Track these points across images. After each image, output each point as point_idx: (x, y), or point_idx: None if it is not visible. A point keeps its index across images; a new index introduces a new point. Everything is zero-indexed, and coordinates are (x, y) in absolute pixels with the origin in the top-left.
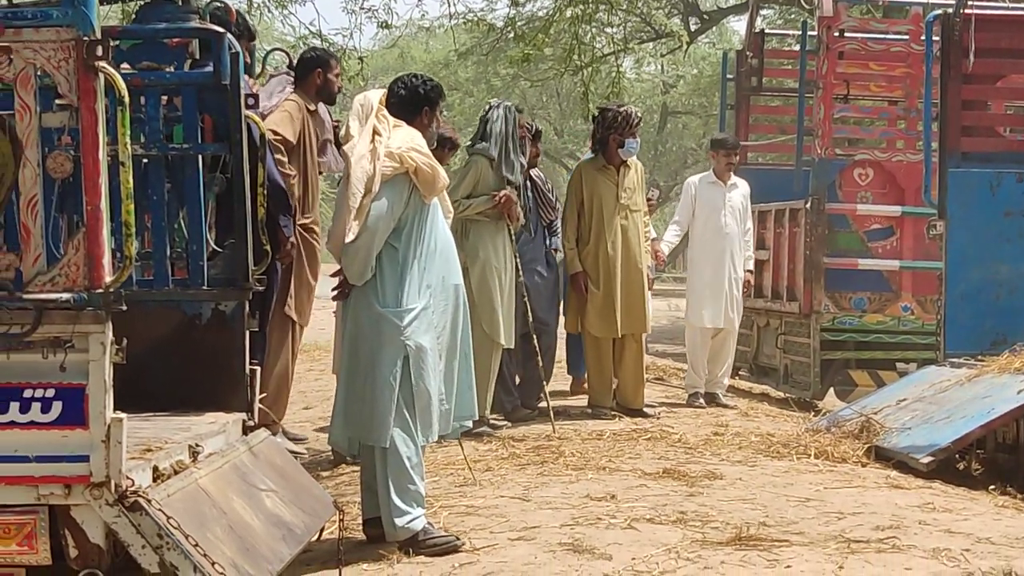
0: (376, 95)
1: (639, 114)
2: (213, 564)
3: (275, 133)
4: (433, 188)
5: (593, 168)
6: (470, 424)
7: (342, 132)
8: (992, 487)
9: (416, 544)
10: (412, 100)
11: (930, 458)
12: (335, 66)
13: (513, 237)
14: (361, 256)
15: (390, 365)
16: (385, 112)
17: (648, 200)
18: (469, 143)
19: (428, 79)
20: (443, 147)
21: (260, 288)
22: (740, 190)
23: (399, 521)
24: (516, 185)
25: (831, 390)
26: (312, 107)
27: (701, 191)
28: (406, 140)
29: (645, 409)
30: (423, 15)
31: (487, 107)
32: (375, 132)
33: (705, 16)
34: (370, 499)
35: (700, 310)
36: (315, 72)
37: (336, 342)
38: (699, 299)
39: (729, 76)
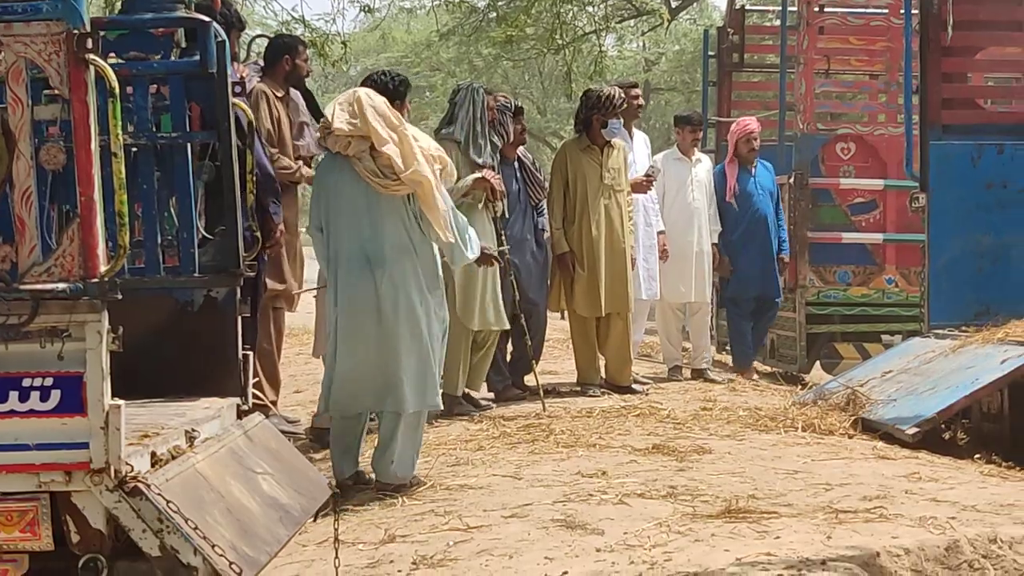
0: (367, 93)
1: (622, 95)
2: (213, 546)
3: None
4: (451, 181)
5: (577, 148)
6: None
7: (340, 123)
8: (977, 456)
9: (407, 487)
10: (383, 96)
11: (916, 429)
12: (303, 51)
13: (495, 218)
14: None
15: (438, 338)
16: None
17: (648, 176)
18: (437, 127)
19: (395, 75)
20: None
21: (251, 274)
22: (704, 165)
23: (408, 472)
24: (489, 166)
25: (817, 363)
26: (280, 93)
27: (667, 167)
28: (427, 139)
29: (634, 386)
30: None
31: (454, 90)
32: (414, 137)
33: None
34: (349, 461)
35: (669, 284)
36: (283, 58)
37: (318, 326)
38: (667, 273)
39: (711, 53)
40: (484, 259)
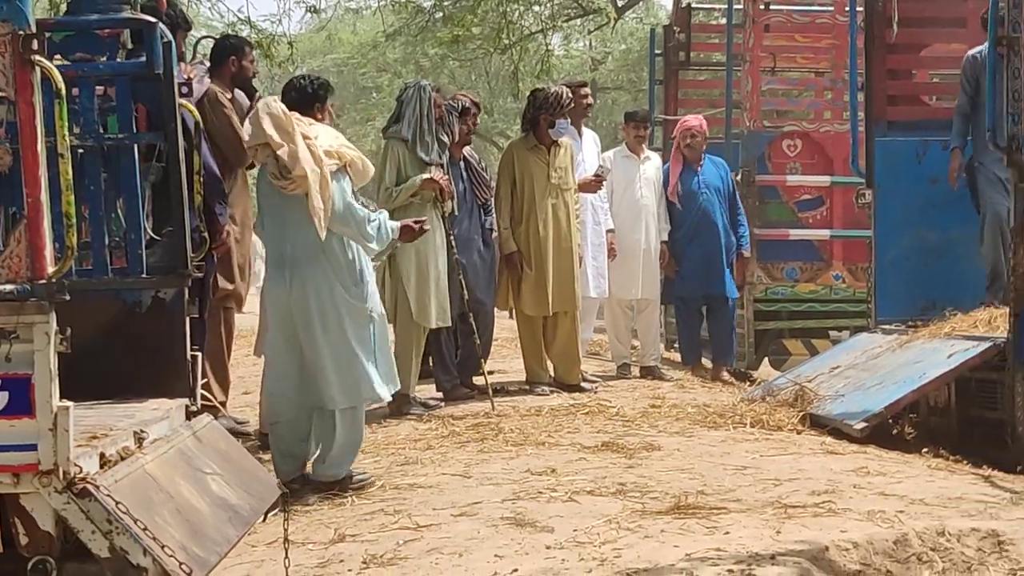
0: (278, 102)
1: (570, 94)
2: (163, 547)
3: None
4: (364, 177)
5: (524, 148)
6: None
7: (248, 135)
8: (925, 450)
9: (345, 483)
10: (303, 100)
11: (864, 424)
12: (249, 53)
13: (444, 217)
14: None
15: (364, 333)
16: (296, 115)
17: (598, 176)
18: (384, 126)
19: (315, 79)
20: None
21: (199, 275)
22: (653, 163)
23: (339, 470)
24: (437, 164)
25: (766, 360)
26: (229, 94)
27: (616, 165)
28: (333, 137)
29: (583, 384)
30: None
31: (402, 88)
32: (304, 136)
33: None
34: (291, 464)
35: (617, 282)
36: (229, 59)
37: (260, 325)
38: (616, 271)
39: (657, 51)
40: (406, 234)
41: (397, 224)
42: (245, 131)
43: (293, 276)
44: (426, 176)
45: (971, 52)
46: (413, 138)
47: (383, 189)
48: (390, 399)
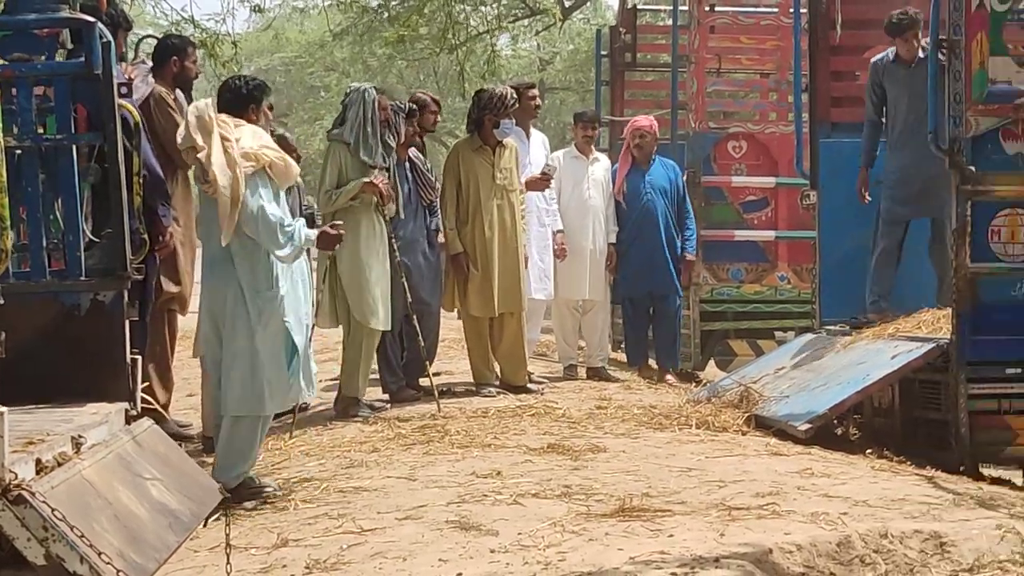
0: (207, 104)
1: (514, 95)
2: (100, 554)
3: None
4: (287, 178)
5: (469, 148)
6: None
7: (180, 140)
8: (869, 451)
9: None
10: (237, 100)
11: (808, 425)
12: (192, 53)
13: (385, 220)
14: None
15: (273, 340)
16: (223, 117)
17: (544, 174)
18: (329, 128)
19: (251, 79)
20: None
21: (139, 277)
22: (602, 164)
23: (226, 476)
24: (382, 168)
25: (711, 360)
26: (172, 95)
27: (564, 166)
28: (255, 138)
29: (529, 385)
30: None
31: (346, 91)
32: (224, 139)
33: None
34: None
35: (564, 282)
36: (171, 60)
37: (198, 326)
38: (563, 272)
39: (603, 52)
40: (324, 241)
41: (314, 232)
42: (179, 133)
43: (211, 279)
44: (366, 180)
45: (874, 59)
46: (356, 141)
47: (323, 191)
48: (305, 403)
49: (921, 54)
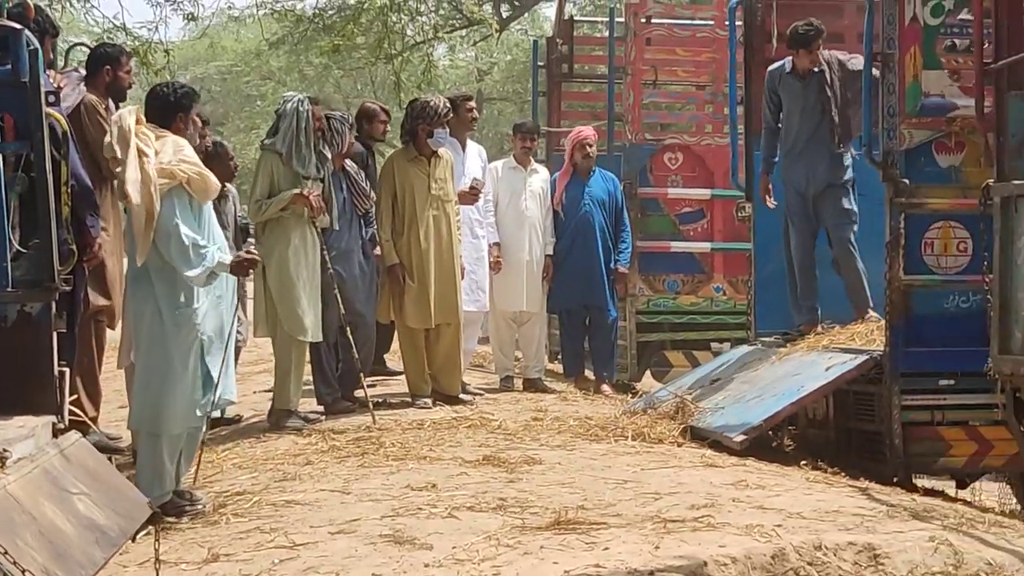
0: (130, 113)
1: (447, 104)
2: (23, 571)
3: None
4: (206, 193)
5: (405, 159)
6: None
7: (104, 149)
8: (803, 462)
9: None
10: (165, 109)
11: (743, 436)
12: (125, 62)
13: (316, 231)
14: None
15: (187, 358)
16: (144, 129)
17: (473, 188)
18: (263, 138)
19: (180, 86)
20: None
21: (67, 288)
22: (541, 175)
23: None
24: (315, 179)
25: (648, 372)
26: (104, 104)
27: (502, 176)
28: (175, 152)
29: (463, 396)
30: (230, 5)
31: (280, 101)
32: (141, 153)
33: (516, 3)
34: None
35: (501, 294)
36: (104, 69)
37: (123, 337)
38: (500, 283)
39: (541, 63)
40: (238, 267)
41: (228, 257)
42: (104, 143)
43: (135, 292)
44: (296, 192)
45: (771, 67)
46: (288, 152)
47: (253, 201)
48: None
49: (816, 68)
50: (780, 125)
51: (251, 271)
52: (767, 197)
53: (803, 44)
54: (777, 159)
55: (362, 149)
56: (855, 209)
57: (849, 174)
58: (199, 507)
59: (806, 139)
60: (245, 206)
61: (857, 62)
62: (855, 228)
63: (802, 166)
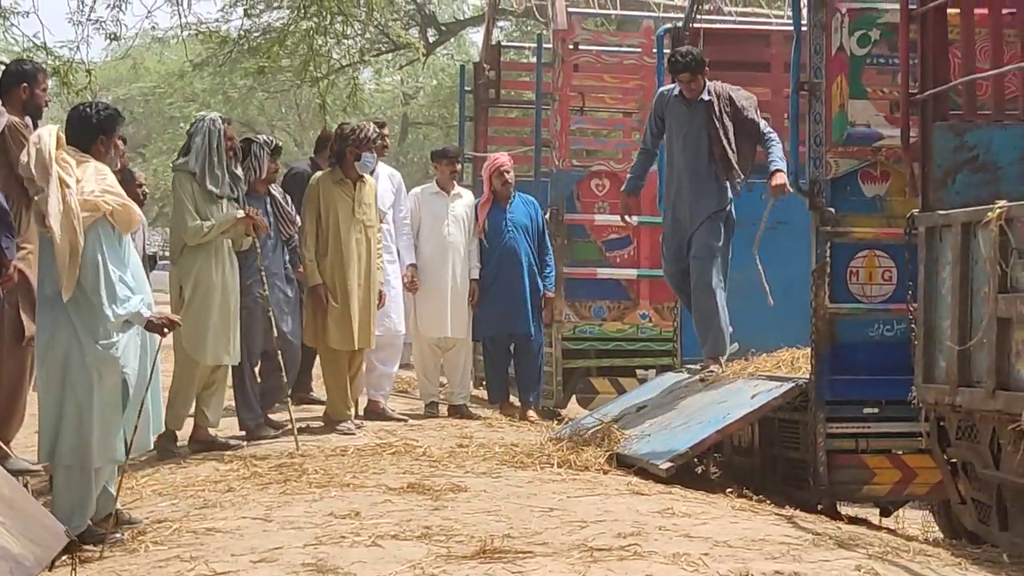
0: (50, 133)
1: (376, 129)
2: None
3: None
4: (129, 224)
5: (330, 181)
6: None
7: (20, 168)
8: (729, 490)
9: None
10: (86, 130)
11: (669, 464)
12: (42, 80)
13: (233, 255)
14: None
15: (110, 393)
16: (64, 155)
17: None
18: (175, 158)
19: (103, 107)
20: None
21: None
22: (464, 200)
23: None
24: (228, 198)
25: (573, 398)
26: (24, 123)
27: (424, 202)
28: (98, 180)
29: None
30: (154, 26)
31: (192, 121)
32: (62, 183)
33: (443, 28)
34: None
35: (425, 320)
36: (21, 86)
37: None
38: (424, 308)
39: (467, 88)
40: (153, 326)
41: (146, 312)
42: (20, 161)
43: (49, 319)
44: (241, 214)
45: (662, 89)
46: (201, 171)
47: (191, 223)
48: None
49: (706, 96)
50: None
51: (166, 332)
52: (625, 217)
53: (680, 70)
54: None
55: (306, 168)
56: (721, 246)
57: (726, 208)
58: (117, 535)
59: (685, 166)
60: (163, 229)
61: (745, 99)
62: (718, 265)
63: (682, 193)
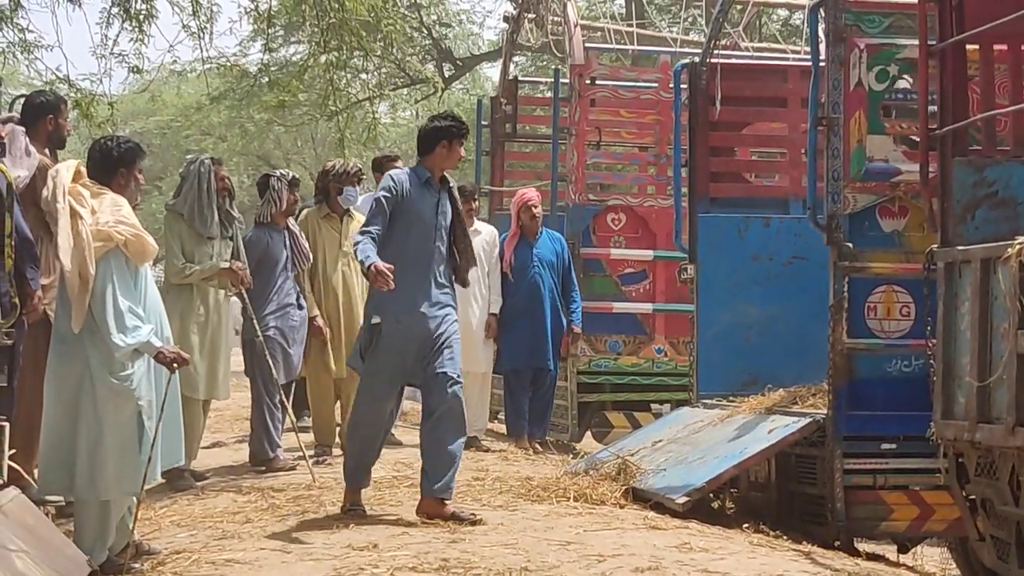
0: (68, 168)
1: (357, 165)
2: None
3: None
4: (144, 255)
5: (319, 216)
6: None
7: (43, 203)
8: (746, 525)
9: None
10: (106, 163)
11: (686, 498)
12: (64, 110)
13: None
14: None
15: (124, 427)
16: (79, 187)
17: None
18: (167, 201)
19: (124, 141)
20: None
21: (8, 342)
22: (483, 235)
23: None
24: (221, 238)
25: (588, 432)
26: (50, 159)
27: None
28: (112, 213)
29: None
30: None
31: (184, 163)
32: (74, 214)
33: (459, 63)
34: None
35: None
36: (46, 118)
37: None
38: None
39: (484, 122)
40: (163, 358)
41: (157, 343)
42: (42, 197)
43: (66, 352)
44: (225, 266)
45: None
46: (190, 212)
47: (173, 262)
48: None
49: None
50: None
51: (176, 367)
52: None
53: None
54: None
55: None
56: None
57: None
58: (136, 566)
59: None
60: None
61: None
62: None
63: None
